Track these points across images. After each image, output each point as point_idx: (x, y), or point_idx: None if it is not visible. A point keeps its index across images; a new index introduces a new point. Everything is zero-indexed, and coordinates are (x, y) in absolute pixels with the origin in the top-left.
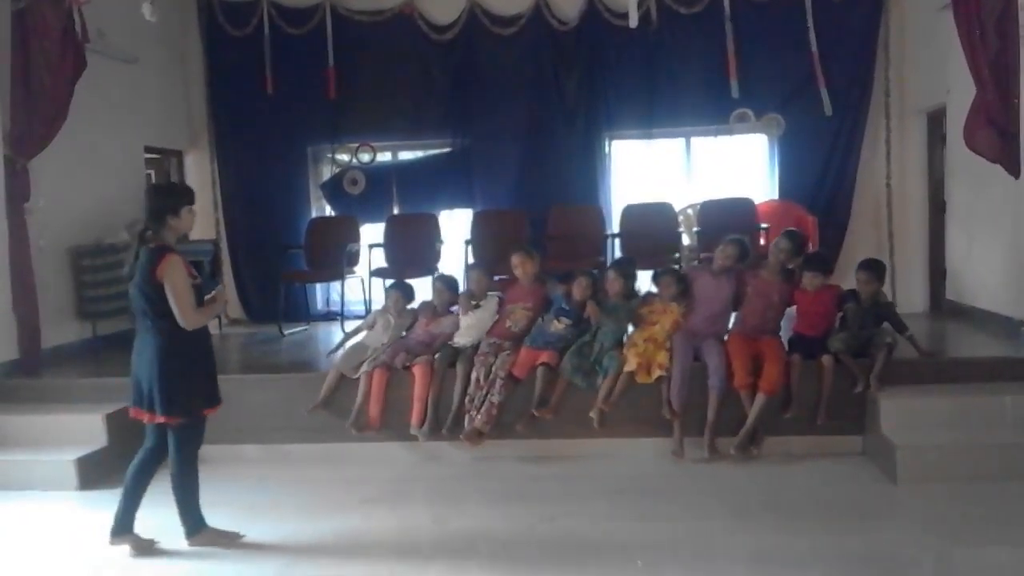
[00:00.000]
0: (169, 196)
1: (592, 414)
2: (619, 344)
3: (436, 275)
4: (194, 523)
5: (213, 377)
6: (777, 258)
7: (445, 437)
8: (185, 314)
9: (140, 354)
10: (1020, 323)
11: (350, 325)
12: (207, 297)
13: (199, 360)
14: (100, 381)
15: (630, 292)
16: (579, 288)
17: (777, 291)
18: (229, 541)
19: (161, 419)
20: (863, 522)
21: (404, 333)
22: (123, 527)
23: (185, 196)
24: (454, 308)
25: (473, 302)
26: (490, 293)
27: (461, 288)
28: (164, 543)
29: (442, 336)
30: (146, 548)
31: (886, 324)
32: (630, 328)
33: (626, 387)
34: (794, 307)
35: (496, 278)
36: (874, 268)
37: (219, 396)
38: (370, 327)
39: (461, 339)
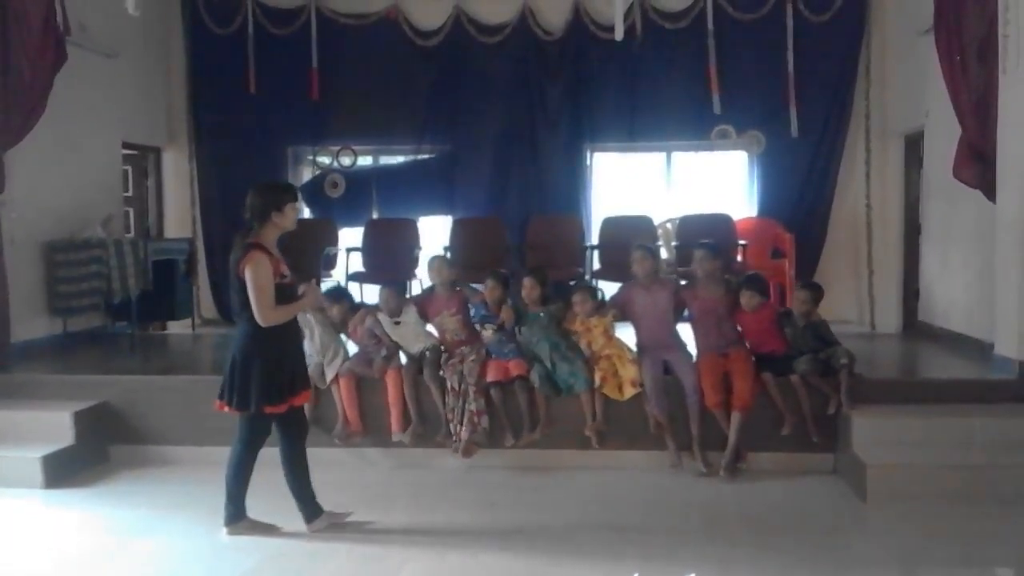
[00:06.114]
0: (274, 192)
1: (588, 432)
2: (568, 351)
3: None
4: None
5: (284, 378)
6: (702, 268)
7: (435, 444)
8: (260, 310)
9: (230, 345)
10: (990, 346)
11: None
12: (301, 290)
13: (272, 359)
14: (69, 378)
15: (546, 298)
16: (488, 290)
17: (722, 303)
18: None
19: (226, 409)
20: (831, 539)
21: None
22: (236, 515)
23: (289, 192)
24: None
25: (394, 319)
26: (404, 308)
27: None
28: (135, 542)
29: (375, 342)
30: (268, 530)
31: (840, 346)
32: (593, 346)
33: (604, 403)
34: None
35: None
36: (814, 289)
37: (286, 399)
38: (308, 339)
39: (411, 348)
